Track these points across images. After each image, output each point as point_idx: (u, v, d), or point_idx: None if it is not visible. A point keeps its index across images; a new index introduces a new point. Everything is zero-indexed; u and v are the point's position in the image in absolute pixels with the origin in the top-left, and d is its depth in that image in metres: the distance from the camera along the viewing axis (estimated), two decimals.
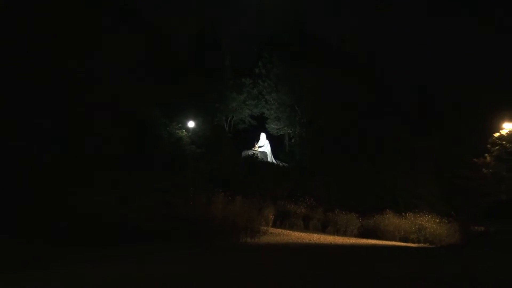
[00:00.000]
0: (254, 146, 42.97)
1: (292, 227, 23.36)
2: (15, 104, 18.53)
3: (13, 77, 18.87)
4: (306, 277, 8.59)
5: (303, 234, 21.42)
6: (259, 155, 41.08)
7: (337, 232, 23.81)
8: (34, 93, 19.32)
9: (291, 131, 45.93)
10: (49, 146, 19.03)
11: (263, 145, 43.44)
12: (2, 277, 8.26)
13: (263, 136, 44.35)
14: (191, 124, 34.67)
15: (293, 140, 45.53)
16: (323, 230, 24.08)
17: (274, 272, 9.41)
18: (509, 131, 27.25)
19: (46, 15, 21.07)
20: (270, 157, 42.67)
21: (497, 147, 27.29)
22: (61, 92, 20.57)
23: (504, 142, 27.12)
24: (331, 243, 18.98)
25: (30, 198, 16.24)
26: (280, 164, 40.99)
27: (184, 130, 32.58)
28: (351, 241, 20.69)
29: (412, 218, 25.22)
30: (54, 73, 20.79)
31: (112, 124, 22.80)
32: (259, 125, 46.87)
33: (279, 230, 21.76)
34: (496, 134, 27.76)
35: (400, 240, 23.30)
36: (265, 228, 21.22)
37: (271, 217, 23.07)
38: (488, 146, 27.86)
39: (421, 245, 22.49)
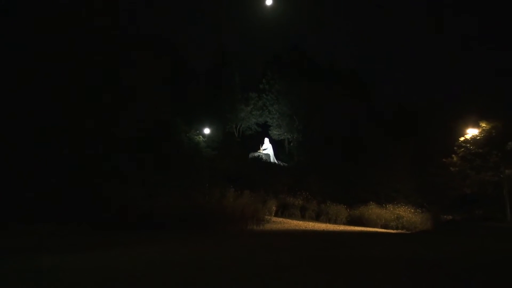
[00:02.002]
0: (259, 149, 42.95)
1: (291, 216, 23.39)
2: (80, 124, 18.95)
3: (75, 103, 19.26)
4: (302, 256, 8.65)
5: (300, 222, 21.47)
6: (263, 156, 41.12)
7: (328, 220, 23.81)
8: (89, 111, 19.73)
9: (290, 136, 45.92)
10: (94, 149, 19.24)
11: (267, 148, 43.41)
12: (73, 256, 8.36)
13: (266, 140, 44.36)
14: (206, 130, 34.84)
15: (291, 144, 45.46)
16: (317, 218, 24.07)
17: (276, 251, 9.48)
18: (472, 135, 27.20)
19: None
20: (272, 158, 42.62)
21: (462, 149, 27.23)
22: (108, 110, 20.88)
23: (468, 145, 27.07)
24: (323, 229, 19.01)
25: (78, 193, 16.47)
26: (281, 164, 40.93)
27: (201, 136, 32.72)
28: (340, 228, 20.71)
29: (391, 209, 25.23)
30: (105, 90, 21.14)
31: (142, 132, 22.95)
32: (263, 131, 46.86)
33: (280, 219, 21.82)
34: (462, 138, 27.71)
35: (381, 227, 23.27)
36: (269, 217, 21.29)
37: (274, 208, 23.10)
38: (455, 148, 27.81)
39: (399, 231, 22.47)
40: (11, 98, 17.34)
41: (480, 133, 26.74)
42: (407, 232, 21.94)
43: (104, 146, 19.67)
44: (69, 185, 16.76)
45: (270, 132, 46.61)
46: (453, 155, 27.70)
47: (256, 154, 41.48)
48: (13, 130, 16.98)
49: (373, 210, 24.72)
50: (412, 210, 25.29)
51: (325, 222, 23.38)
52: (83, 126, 19.10)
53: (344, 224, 23.48)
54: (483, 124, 26.55)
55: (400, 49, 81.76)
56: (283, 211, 23.92)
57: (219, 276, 6.22)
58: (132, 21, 29.15)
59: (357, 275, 6.34)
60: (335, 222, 23.51)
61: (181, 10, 77.75)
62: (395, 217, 24.28)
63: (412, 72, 76.39)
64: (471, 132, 27.44)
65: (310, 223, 21.86)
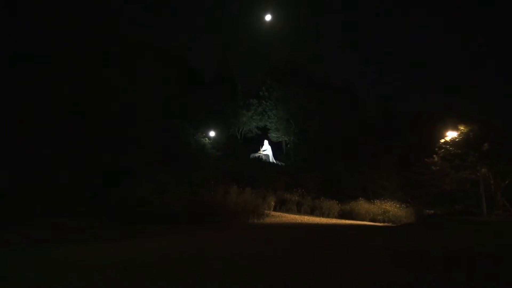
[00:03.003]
0: (259, 150, 43.09)
1: (288, 211, 23.48)
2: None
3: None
4: (298, 246, 8.82)
5: (297, 216, 21.57)
6: (263, 157, 41.27)
7: (322, 214, 23.91)
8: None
9: (287, 139, 46.04)
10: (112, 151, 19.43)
11: (266, 149, 43.53)
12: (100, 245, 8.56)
13: (266, 142, 44.50)
14: (212, 133, 34.97)
15: (288, 145, 45.59)
16: (311, 213, 24.16)
17: (274, 241, 9.66)
18: (452, 138, 27.29)
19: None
20: (271, 158, 42.74)
21: (442, 150, 27.28)
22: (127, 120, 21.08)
23: (448, 146, 27.12)
24: (317, 222, 19.13)
25: (96, 190, 16.65)
26: (279, 163, 41.03)
27: (207, 138, 32.87)
28: (332, 221, 20.82)
29: (378, 204, 25.33)
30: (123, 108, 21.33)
31: (153, 135, 23.11)
32: (263, 134, 47.00)
33: (279, 213, 21.92)
34: (442, 140, 27.78)
35: (370, 220, 23.38)
36: (268, 211, 21.40)
37: (273, 203, 23.21)
38: (436, 149, 27.86)
39: (386, 224, 22.58)
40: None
41: (459, 135, 26.82)
42: (393, 225, 22.03)
43: (121, 150, 19.84)
44: (91, 185, 16.95)
45: (269, 134, 46.77)
46: (434, 156, 27.77)
47: (256, 154, 41.64)
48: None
49: (362, 205, 24.84)
50: (398, 205, 25.40)
51: (319, 216, 23.48)
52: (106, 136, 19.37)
53: (336, 217, 23.58)
54: (462, 128, 26.64)
55: (389, 57, 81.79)
56: (281, 206, 24.03)
57: (225, 264, 6.40)
58: (145, 32, 29.36)
59: (350, 262, 6.53)
60: (328, 216, 23.61)
61: (186, 22, 78.04)
62: (382, 211, 24.40)
63: (399, 79, 76.57)
64: (451, 135, 27.52)
65: (306, 217, 21.97)
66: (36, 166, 16.18)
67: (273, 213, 21.61)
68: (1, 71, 16.87)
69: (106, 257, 7.17)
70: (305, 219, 20.52)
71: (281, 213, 22.08)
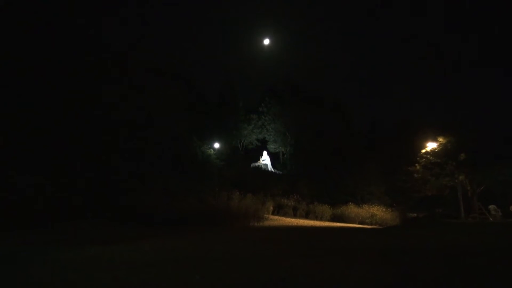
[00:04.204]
0: (259, 160, 43.12)
1: (285, 215, 23.35)
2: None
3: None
4: (295, 246, 8.80)
5: (293, 220, 21.47)
6: (262, 166, 41.27)
7: (316, 218, 23.77)
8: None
9: (284, 150, 46.16)
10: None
11: (265, 159, 43.53)
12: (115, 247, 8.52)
13: (265, 153, 44.53)
14: (216, 145, 35.08)
15: (285, 156, 45.65)
16: (306, 216, 24.03)
17: (273, 242, 9.61)
18: (432, 148, 27.38)
19: None
20: (270, 167, 42.71)
21: (423, 159, 27.38)
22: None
23: (428, 156, 27.22)
24: (312, 225, 19.03)
25: (112, 195, 16.62)
26: (277, 172, 41.01)
27: (212, 149, 32.95)
28: (325, 224, 20.71)
29: (367, 208, 25.21)
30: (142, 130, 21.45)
31: (162, 147, 23.14)
32: (262, 146, 47.07)
33: (276, 217, 21.82)
34: (423, 150, 27.89)
35: (359, 223, 23.24)
36: (267, 215, 21.30)
37: (271, 208, 23.09)
38: (418, 158, 27.94)
39: (374, 226, 22.43)
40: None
41: (438, 146, 26.93)
42: (380, 227, 21.92)
43: (136, 161, 19.85)
44: (110, 191, 16.93)
45: (268, 146, 46.88)
46: (416, 164, 27.82)
47: (256, 164, 41.65)
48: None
49: (352, 209, 24.72)
50: (384, 209, 25.29)
51: (313, 219, 23.35)
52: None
53: (328, 221, 23.44)
54: (441, 139, 26.77)
55: (377, 75, 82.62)
56: (279, 210, 23.89)
57: (230, 261, 6.39)
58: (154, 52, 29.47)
59: (344, 260, 6.51)
60: (321, 219, 23.47)
61: (192, 44, 79.02)
62: (370, 215, 24.26)
63: (384, 94, 77.27)
64: (431, 145, 27.63)
65: (301, 220, 21.87)
66: (58, 174, 16.18)
67: (271, 216, 21.51)
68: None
69: (121, 256, 7.13)
70: (301, 222, 20.41)
71: (279, 217, 21.97)
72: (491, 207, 23.67)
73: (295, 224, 19.31)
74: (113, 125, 19.36)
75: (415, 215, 28.09)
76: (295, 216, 23.71)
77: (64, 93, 17.65)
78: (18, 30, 17.07)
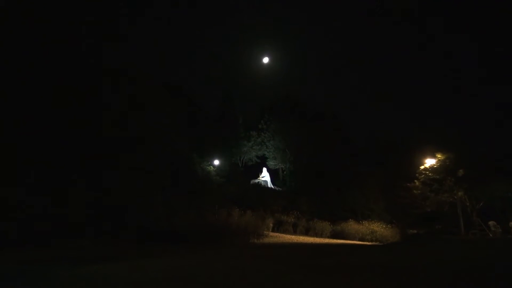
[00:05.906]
0: (258, 176, 43.01)
1: (285, 232, 23.17)
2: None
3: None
4: (295, 263, 8.71)
5: (293, 236, 21.29)
6: (262, 182, 41.05)
7: (316, 234, 23.58)
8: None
9: (283, 166, 46.11)
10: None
11: (265, 176, 43.40)
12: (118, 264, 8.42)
13: (264, 169, 44.43)
14: (216, 162, 35.07)
15: (285, 172, 45.56)
16: (306, 233, 23.84)
17: (273, 260, 9.52)
18: (431, 164, 27.48)
19: None
20: (269, 184, 42.53)
21: (422, 175, 27.44)
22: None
23: (427, 172, 27.30)
24: (312, 242, 18.87)
25: (115, 214, 16.50)
26: (277, 188, 40.81)
27: (211, 166, 32.94)
28: (325, 241, 20.54)
29: (367, 225, 25.08)
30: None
31: (163, 164, 23.10)
32: (262, 162, 47.05)
33: (276, 234, 21.63)
34: (422, 167, 27.96)
35: (359, 240, 23.07)
36: (267, 232, 21.11)
37: (271, 224, 22.87)
38: (417, 174, 27.99)
39: (373, 243, 22.27)
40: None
41: (437, 162, 27.03)
42: (380, 243, 21.74)
43: (136, 178, 19.76)
44: (110, 208, 16.81)
45: (267, 162, 46.85)
46: (415, 181, 27.85)
47: (256, 180, 41.47)
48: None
49: (352, 225, 24.57)
50: (384, 226, 25.14)
51: (313, 236, 23.17)
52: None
53: (328, 237, 23.26)
54: (439, 155, 26.90)
55: (377, 92, 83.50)
56: (279, 227, 23.71)
57: (229, 279, 6.32)
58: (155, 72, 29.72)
59: (344, 277, 6.44)
60: (321, 236, 23.29)
61: (191, 63, 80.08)
62: (370, 231, 24.12)
63: (383, 112, 77.79)
64: (430, 162, 27.74)
65: (301, 237, 21.69)
66: (58, 192, 16.12)
67: (271, 233, 21.33)
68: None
69: (118, 276, 7.06)
70: (301, 239, 20.24)
71: (279, 234, 21.78)
72: (491, 223, 23.53)
73: (296, 241, 19.14)
74: (113, 142, 19.38)
75: (415, 231, 27.91)
76: (295, 232, 23.51)
77: (62, 114, 17.78)
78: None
